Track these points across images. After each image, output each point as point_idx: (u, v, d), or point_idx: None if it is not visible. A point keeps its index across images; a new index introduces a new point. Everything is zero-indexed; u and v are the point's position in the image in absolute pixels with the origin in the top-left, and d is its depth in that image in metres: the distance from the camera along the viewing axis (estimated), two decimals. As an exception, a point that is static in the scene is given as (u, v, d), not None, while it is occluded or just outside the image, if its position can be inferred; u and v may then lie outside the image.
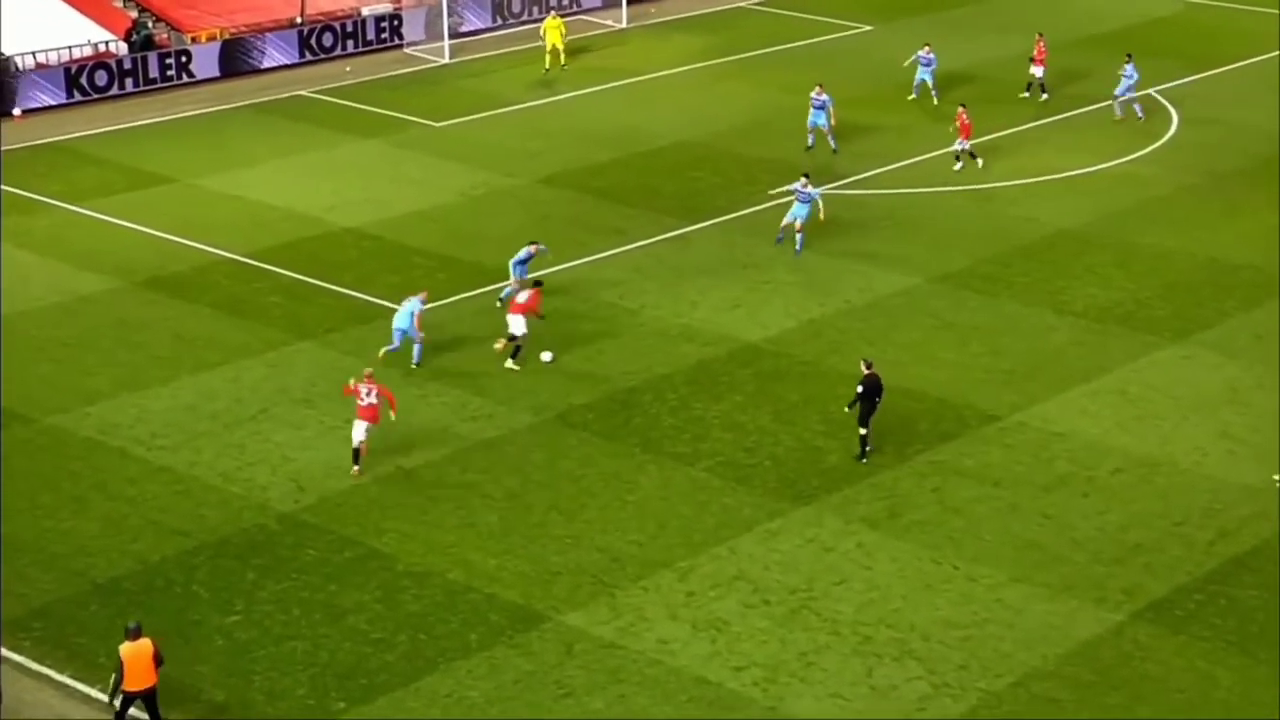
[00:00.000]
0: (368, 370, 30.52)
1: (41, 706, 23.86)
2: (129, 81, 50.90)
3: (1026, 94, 49.85)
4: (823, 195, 39.51)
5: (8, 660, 24.72)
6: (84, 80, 50.13)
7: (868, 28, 57.99)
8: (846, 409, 30.42)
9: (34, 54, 50.24)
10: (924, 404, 32.33)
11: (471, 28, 57.18)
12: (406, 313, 33.16)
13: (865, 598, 26.39)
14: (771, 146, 45.74)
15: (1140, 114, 48.11)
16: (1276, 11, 58.83)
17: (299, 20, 54.69)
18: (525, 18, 58.05)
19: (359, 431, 29.56)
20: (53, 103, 49.61)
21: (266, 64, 53.49)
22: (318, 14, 55.31)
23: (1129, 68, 48.01)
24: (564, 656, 25.01)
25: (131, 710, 22.92)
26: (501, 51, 55.53)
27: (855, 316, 36.00)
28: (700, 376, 33.50)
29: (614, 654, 25.04)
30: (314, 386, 32.88)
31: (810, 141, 45.27)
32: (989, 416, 31.95)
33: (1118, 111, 48.16)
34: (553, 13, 56.17)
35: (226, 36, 53.39)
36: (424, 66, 54.17)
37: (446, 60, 54.36)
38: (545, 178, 44.13)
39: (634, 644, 25.27)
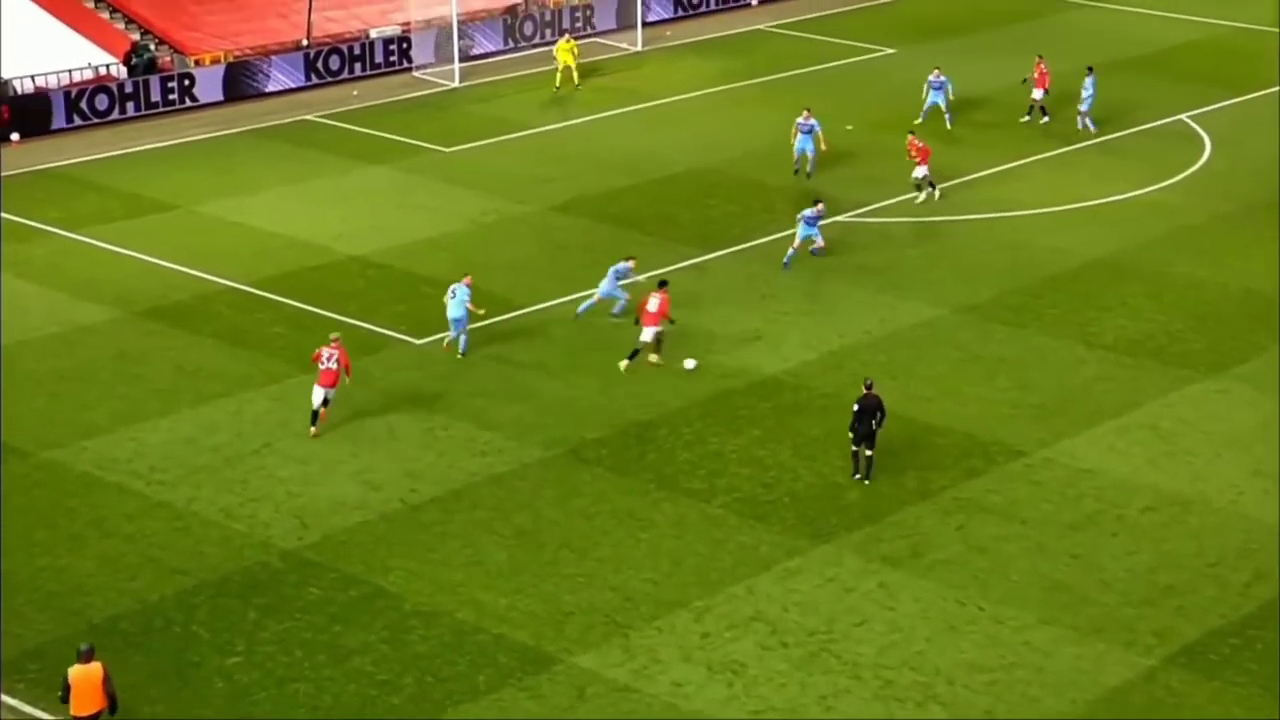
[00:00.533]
0: (335, 335, 32.72)
1: (36, 750, 23.91)
2: (130, 105, 51.19)
3: (1027, 117, 50.11)
4: (844, 221, 39.54)
5: (2, 703, 24.72)
6: (84, 104, 50.41)
7: (890, 50, 58.15)
8: (849, 432, 30.62)
9: (33, 77, 50.55)
10: (948, 439, 32.30)
11: (482, 50, 57.44)
12: (459, 302, 34.93)
13: (887, 640, 26.34)
14: (791, 174, 45.82)
15: (1092, 128, 49.01)
16: (1313, 34, 58.94)
17: (305, 42, 54.98)
18: (537, 40, 58.31)
19: (317, 396, 31.85)
20: (52, 127, 49.86)
21: (271, 87, 53.75)
22: (324, 36, 55.61)
23: (1089, 81, 48.94)
24: (575, 700, 24.98)
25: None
26: (513, 75, 55.76)
27: (877, 348, 36.01)
28: (717, 410, 33.51)
29: (627, 697, 25.01)
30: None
31: (798, 167, 45.31)
32: (1016, 452, 31.91)
33: (1081, 126, 49.09)
34: (566, 35, 56.50)
35: (230, 59, 53.69)
36: (433, 90, 54.41)
37: (456, 84, 54.60)
38: (558, 205, 44.26)
39: (648, 687, 25.23)
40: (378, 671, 25.58)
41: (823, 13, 62.94)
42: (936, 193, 43.71)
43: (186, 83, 52.30)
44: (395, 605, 27.15)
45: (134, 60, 52.06)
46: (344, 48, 55.31)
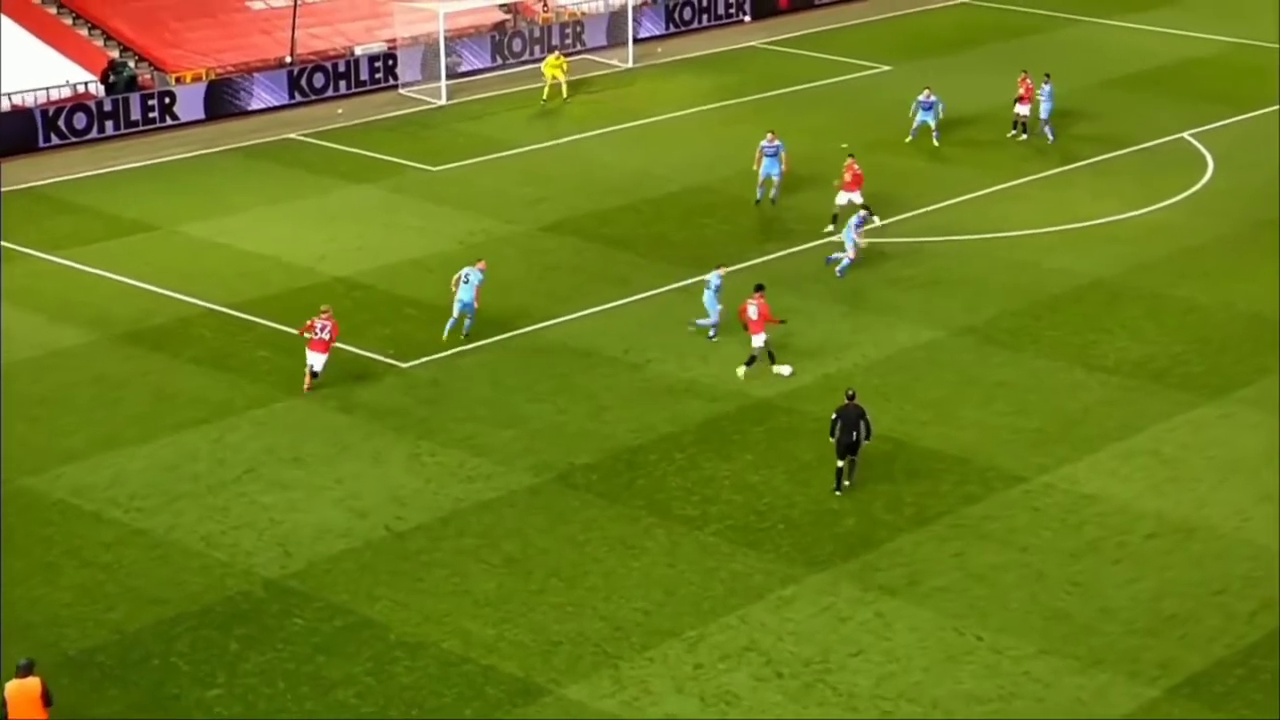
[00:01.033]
0: (325, 307, 34.75)
1: (10, 785, 23.80)
2: (109, 124, 51.23)
3: (1014, 133, 50.26)
4: (838, 241, 39.56)
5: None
6: (62, 123, 50.43)
7: (885, 68, 58.32)
8: (830, 437, 31.04)
9: (9, 95, 50.57)
10: (946, 464, 32.31)
11: (470, 68, 57.56)
12: (470, 287, 36.51)
13: (884, 670, 26.31)
14: (785, 193, 45.88)
15: (1050, 137, 49.76)
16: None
17: (289, 60, 55.06)
18: (526, 57, 58.46)
19: (312, 361, 34.39)
20: (30, 146, 49.87)
21: (254, 105, 53.81)
22: (308, 53, 55.70)
23: (1046, 89, 49.54)
24: (565, 733, 24.95)
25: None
26: (501, 92, 55.88)
27: (873, 372, 36.04)
28: (709, 435, 33.51)
29: (618, 730, 24.98)
30: (302, 445, 32.91)
31: (760, 194, 44.77)
32: (1015, 478, 31.92)
33: (1023, 134, 49.84)
34: (556, 51, 56.67)
35: (213, 77, 53.75)
36: (420, 108, 54.48)
37: (443, 102, 54.68)
38: (547, 225, 44.31)
39: (639, 719, 25.17)
40: (362, 704, 25.51)
41: (817, 29, 63.16)
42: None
43: (167, 101, 52.35)
44: (380, 635, 27.10)
45: (111, 78, 52.08)
46: (328, 65, 55.40)
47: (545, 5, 60.80)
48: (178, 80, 53.32)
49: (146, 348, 37.31)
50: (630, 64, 58.56)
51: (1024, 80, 50.28)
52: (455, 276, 36.98)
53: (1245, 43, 61.33)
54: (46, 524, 30.27)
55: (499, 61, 58.31)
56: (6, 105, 50.51)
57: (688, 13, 63.01)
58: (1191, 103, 53.85)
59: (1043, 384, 35.69)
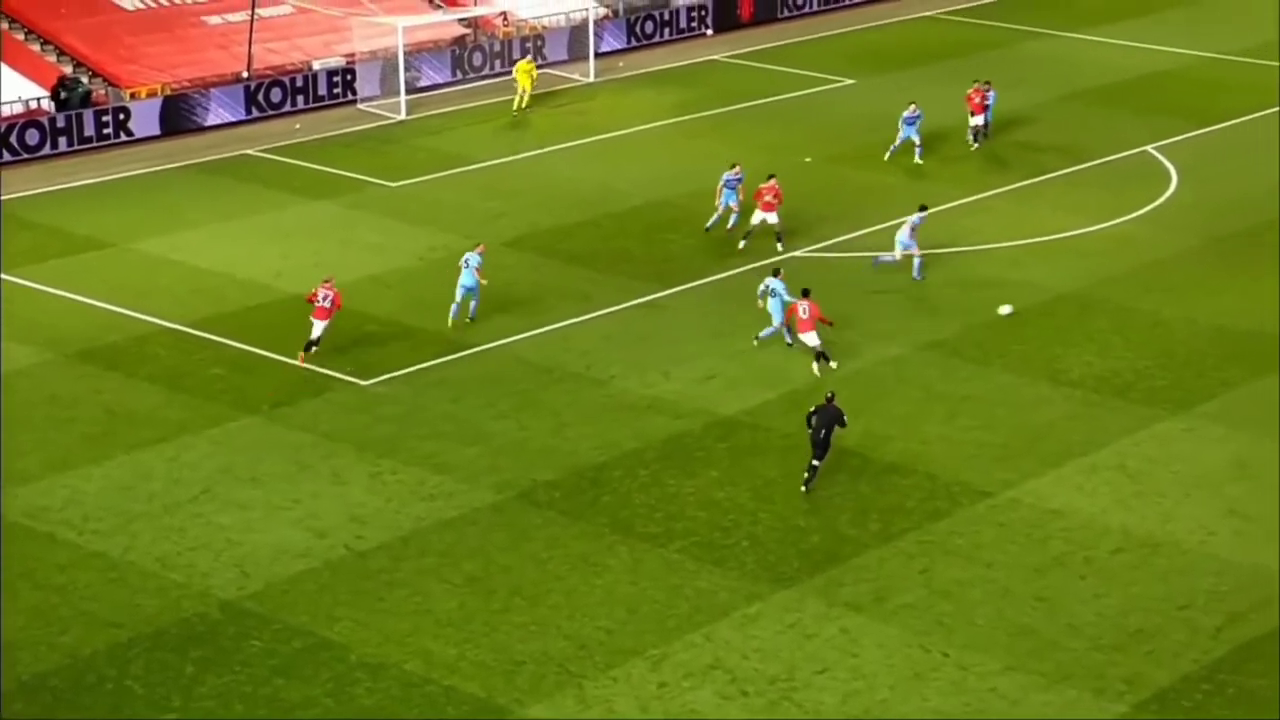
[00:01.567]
0: (328, 277, 37.02)
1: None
2: (63, 140, 51.03)
3: (975, 145, 50.59)
4: (802, 256, 39.69)
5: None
6: (14, 139, 50.21)
7: (849, 81, 58.55)
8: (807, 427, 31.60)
9: (-38, 111, 50.40)
10: (911, 480, 32.43)
11: (429, 82, 57.55)
12: (470, 270, 38.08)
13: (850, 688, 26.37)
14: (745, 211, 45.97)
15: (974, 144, 50.63)
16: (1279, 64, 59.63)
17: (245, 75, 54.96)
18: (486, 71, 58.51)
19: (316, 329, 36.12)
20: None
21: (211, 121, 53.69)
22: (265, 68, 55.61)
23: (990, 95, 50.49)
24: (527, 754, 24.94)
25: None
26: (461, 107, 55.89)
27: (838, 386, 36.01)
28: (673, 451, 33.56)
29: (581, 750, 24.97)
30: (260, 465, 32.82)
31: (713, 222, 43.89)
32: (980, 493, 32.05)
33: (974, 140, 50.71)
34: (528, 55, 56.91)
35: (168, 93, 53.61)
36: (379, 123, 54.45)
37: (403, 116, 54.67)
38: (508, 240, 44.32)
39: (603, 740, 25.22)
40: (322, 726, 25.46)
41: (780, 43, 63.37)
42: (780, 245, 42.69)
43: (121, 117, 52.18)
44: (341, 657, 27.03)
45: (63, 94, 51.83)
46: (286, 80, 55.31)
47: (505, 19, 60.88)
48: (132, 96, 53.16)
49: (100, 366, 37.16)
50: (592, 78, 58.66)
51: (979, 90, 50.53)
52: (458, 265, 38.59)
53: (1208, 56, 61.81)
54: (-1, 546, 30.12)
55: (459, 76, 58.32)
56: (-42, 121, 50.32)
57: (649, 26, 63.15)
58: (1155, 116, 54.22)
59: (1009, 398, 35.86)
